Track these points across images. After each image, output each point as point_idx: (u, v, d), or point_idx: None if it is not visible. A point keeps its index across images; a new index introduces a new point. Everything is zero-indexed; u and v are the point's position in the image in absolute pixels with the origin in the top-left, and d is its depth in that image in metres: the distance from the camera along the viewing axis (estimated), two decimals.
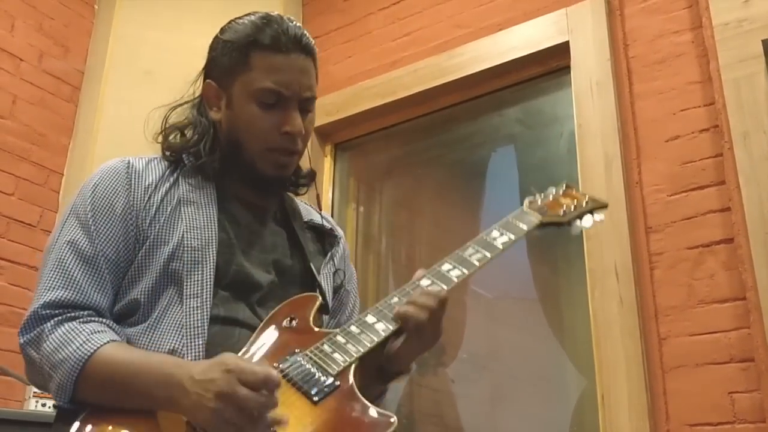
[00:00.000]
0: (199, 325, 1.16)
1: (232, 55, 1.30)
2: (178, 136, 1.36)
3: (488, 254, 1.29)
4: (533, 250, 2.78)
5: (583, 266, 2.19)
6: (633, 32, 2.33)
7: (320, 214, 1.48)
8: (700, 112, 2.12)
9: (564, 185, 1.52)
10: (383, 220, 3.18)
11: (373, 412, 1.08)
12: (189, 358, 1.14)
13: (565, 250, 2.58)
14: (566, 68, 2.47)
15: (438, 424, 2.85)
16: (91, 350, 1.10)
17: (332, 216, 3.01)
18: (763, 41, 2.01)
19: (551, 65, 2.57)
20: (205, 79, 1.37)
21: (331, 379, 1.10)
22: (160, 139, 1.36)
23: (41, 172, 2.94)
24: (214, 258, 1.22)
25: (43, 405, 2.25)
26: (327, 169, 3.08)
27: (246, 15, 1.34)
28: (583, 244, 2.20)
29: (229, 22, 1.36)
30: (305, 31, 1.33)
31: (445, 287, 1.24)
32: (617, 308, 2.06)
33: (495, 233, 1.34)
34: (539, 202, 1.46)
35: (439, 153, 3.12)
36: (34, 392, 2.26)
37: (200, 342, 1.15)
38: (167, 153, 1.35)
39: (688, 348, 1.95)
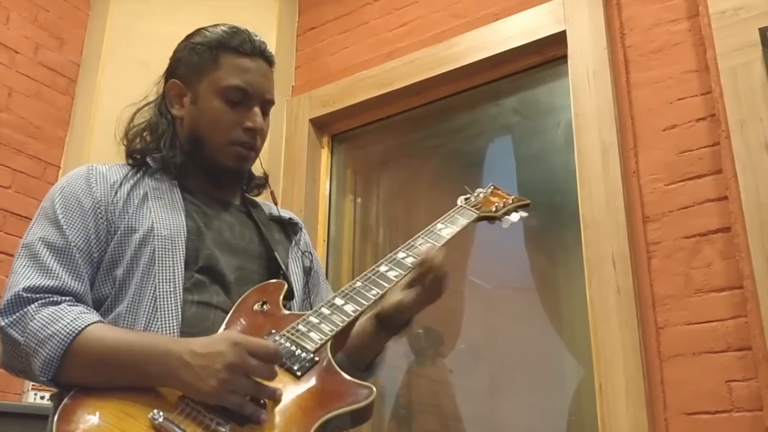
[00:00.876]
0: (173, 308, 1.22)
1: (202, 55, 1.41)
2: (139, 139, 1.43)
3: (436, 243, 1.41)
4: (530, 241, 2.78)
5: (581, 255, 2.19)
6: (630, 21, 2.33)
7: (279, 209, 1.58)
8: (697, 101, 2.11)
9: (491, 186, 1.70)
10: (380, 211, 3.18)
11: (353, 383, 1.15)
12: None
13: (563, 239, 2.59)
14: (563, 58, 2.47)
15: (436, 414, 2.86)
16: (81, 326, 1.12)
17: (329, 207, 3.01)
18: (759, 29, 2.01)
19: (548, 55, 2.57)
20: (168, 79, 1.47)
21: (310, 355, 1.16)
22: (124, 142, 1.44)
23: (38, 164, 2.93)
24: (184, 244, 1.28)
25: (42, 397, 2.26)
26: (324, 161, 3.08)
27: (214, 25, 1.46)
28: (580, 234, 2.20)
29: (198, 30, 1.48)
30: (269, 46, 1.46)
31: (402, 272, 1.33)
32: (614, 297, 2.06)
33: (440, 225, 1.49)
34: (473, 200, 1.63)
35: (436, 143, 3.12)
36: (33, 385, 2.27)
37: (174, 324, 1.20)
38: (132, 156, 1.42)
39: (685, 337, 1.95)
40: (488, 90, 2.78)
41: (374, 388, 1.12)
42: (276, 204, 1.58)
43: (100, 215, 1.29)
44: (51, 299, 1.17)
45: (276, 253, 1.42)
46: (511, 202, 1.65)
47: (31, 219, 2.92)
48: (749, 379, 1.83)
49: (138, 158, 1.41)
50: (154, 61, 2.93)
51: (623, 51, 2.31)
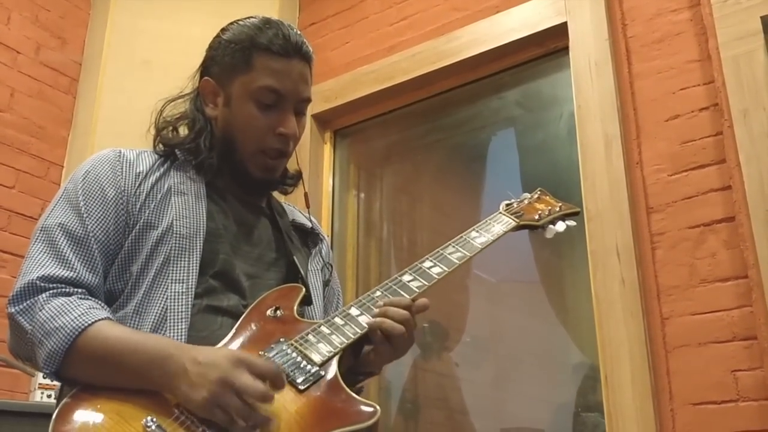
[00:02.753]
0: (183, 310, 1.19)
1: (234, 55, 1.34)
2: (171, 130, 1.38)
3: (467, 253, 1.35)
4: (535, 233, 2.78)
5: (585, 248, 2.19)
6: (631, 11, 2.32)
7: (304, 215, 1.53)
8: (700, 91, 2.11)
9: (538, 191, 1.60)
10: (384, 205, 3.18)
11: (357, 401, 1.10)
12: (172, 338, 1.16)
13: (567, 232, 2.58)
14: (565, 49, 2.46)
15: (443, 408, 2.87)
16: (88, 322, 1.10)
17: (333, 203, 3.01)
18: (761, 18, 2.00)
19: (549, 46, 2.56)
20: (202, 76, 1.40)
21: (316, 368, 1.12)
22: (152, 131, 1.39)
23: (41, 164, 2.94)
24: (201, 246, 1.25)
25: (49, 396, 2.26)
26: (327, 156, 3.08)
27: (248, 18, 1.39)
28: (584, 226, 2.20)
29: (231, 23, 1.40)
30: (305, 39, 1.38)
31: (426, 283, 1.27)
32: (619, 289, 2.06)
33: (474, 234, 1.41)
34: (515, 206, 1.53)
35: (439, 137, 3.12)
36: (40, 383, 2.27)
37: (183, 326, 1.17)
38: (160, 146, 1.37)
39: (690, 327, 1.95)
40: (490, 83, 2.77)
41: (378, 409, 1.07)
42: (308, 206, 1.53)
43: (121, 206, 1.25)
44: (63, 290, 1.15)
45: (295, 258, 1.37)
46: (558, 210, 1.56)
47: (35, 218, 2.93)
48: (755, 369, 1.83)
49: (167, 149, 1.36)
50: (155, 59, 2.97)
51: (625, 41, 2.30)
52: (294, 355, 1.14)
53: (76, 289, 1.17)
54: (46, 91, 3.03)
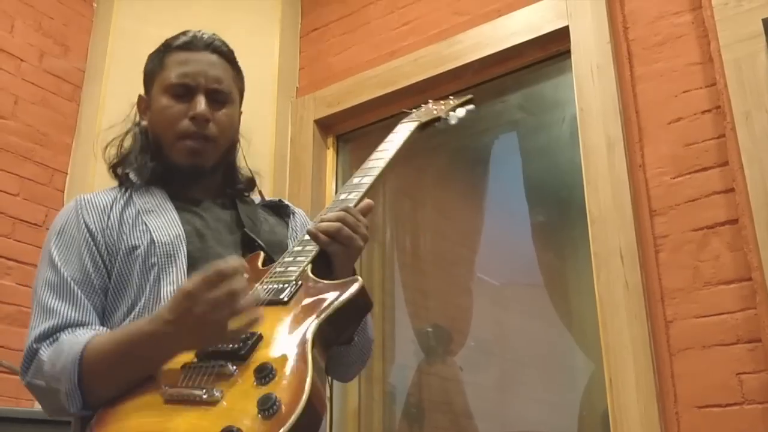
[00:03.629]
0: None
1: (152, 62, 1.48)
2: (116, 153, 1.47)
3: (384, 157, 1.48)
4: (538, 236, 2.78)
5: (588, 250, 2.19)
6: (632, 14, 2.32)
7: (264, 198, 1.59)
8: (702, 93, 2.11)
9: (430, 100, 1.70)
10: (387, 209, 3.19)
11: (337, 282, 1.17)
12: None
13: (570, 234, 2.58)
14: (566, 53, 2.47)
15: (447, 412, 2.86)
16: (80, 348, 1.15)
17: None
18: (763, 20, 2.00)
19: (551, 50, 2.56)
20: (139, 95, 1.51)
21: (293, 283, 1.18)
22: (109, 164, 1.47)
23: (45, 171, 2.95)
24: (185, 248, 1.30)
25: None
26: (330, 161, 3.08)
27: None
28: (587, 229, 2.20)
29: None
30: (219, 40, 1.47)
31: (360, 191, 1.39)
32: (623, 292, 2.06)
33: (383, 146, 1.53)
34: (414, 115, 1.64)
35: (442, 141, 3.12)
36: None
37: None
38: (113, 169, 1.45)
39: (694, 330, 1.95)
40: (492, 87, 2.77)
41: (359, 277, 1.15)
42: (263, 198, 1.59)
43: (95, 243, 1.31)
44: (54, 337, 1.21)
45: (246, 230, 1.40)
46: (452, 102, 1.66)
47: (39, 225, 2.95)
48: (760, 371, 1.82)
49: (119, 171, 1.44)
50: None
51: (626, 44, 2.30)
52: (272, 286, 1.18)
53: (65, 331, 1.21)
54: (50, 98, 3.03)
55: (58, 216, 1.38)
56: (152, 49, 1.51)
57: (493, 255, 2.98)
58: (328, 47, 3.14)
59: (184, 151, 1.39)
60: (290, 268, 1.22)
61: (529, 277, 2.80)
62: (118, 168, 1.45)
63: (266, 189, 1.65)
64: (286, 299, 1.14)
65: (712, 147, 2.05)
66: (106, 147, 1.48)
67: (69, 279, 1.27)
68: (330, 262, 1.28)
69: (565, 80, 2.51)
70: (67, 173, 3.02)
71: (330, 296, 1.13)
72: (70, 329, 1.22)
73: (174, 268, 1.27)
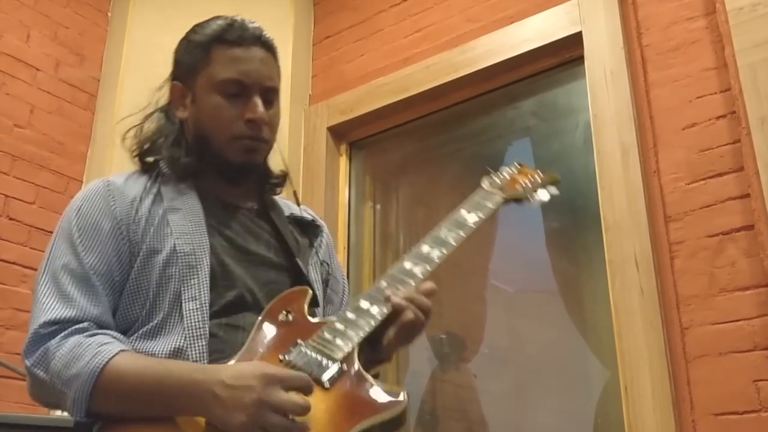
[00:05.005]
0: (200, 326, 1.18)
1: (194, 53, 1.37)
2: (149, 144, 1.39)
3: (462, 233, 1.36)
4: (552, 243, 2.77)
5: (603, 257, 2.18)
6: (646, 20, 2.32)
7: (301, 209, 1.52)
8: (717, 99, 2.10)
9: (516, 164, 1.61)
10: (400, 217, 3.19)
11: (383, 390, 1.12)
12: (192, 359, 1.16)
13: (584, 241, 2.57)
14: (580, 59, 2.46)
15: (461, 420, 2.85)
16: (102, 363, 1.09)
17: (349, 215, 3.01)
18: None
19: (564, 56, 2.56)
20: (172, 82, 1.42)
21: (337, 364, 1.13)
22: (135, 152, 1.40)
23: (60, 180, 2.97)
24: (208, 261, 1.25)
25: (63, 411, 2.27)
26: (343, 168, 3.09)
27: (208, 20, 1.41)
28: (602, 235, 2.19)
29: (193, 27, 1.43)
30: (265, 31, 1.39)
31: (428, 267, 1.29)
32: (638, 299, 2.05)
33: (464, 212, 1.41)
34: (498, 181, 1.54)
35: (455, 148, 3.12)
36: None
37: (203, 343, 1.17)
38: (142, 160, 1.39)
39: (711, 337, 1.93)
40: (505, 93, 2.77)
41: (406, 396, 1.09)
42: (298, 205, 1.52)
43: (121, 237, 1.25)
44: (71, 329, 1.15)
45: (298, 260, 1.37)
46: (538, 179, 1.57)
47: None
48: None
49: (148, 162, 1.38)
50: None
51: (640, 50, 2.30)
52: (314, 355, 1.14)
53: (82, 325, 1.16)
54: (65, 107, 3.06)
55: (84, 196, 1.30)
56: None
57: (507, 262, 2.97)
58: (340, 55, 3.15)
59: (240, 150, 1.33)
60: (338, 341, 1.16)
61: (543, 284, 2.79)
62: (146, 156, 1.39)
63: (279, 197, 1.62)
64: (328, 385, 1.09)
65: (727, 152, 2.04)
66: (125, 135, 1.41)
67: (90, 269, 1.21)
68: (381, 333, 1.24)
69: (578, 86, 2.51)
70: (82, 182, 3.04)
71: (370, 407, 1.09)
72: (88, 328, 1.16)
73: (195, 281, 1.22)
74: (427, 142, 3.14)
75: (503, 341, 2.88)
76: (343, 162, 3.10)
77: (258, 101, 1.33)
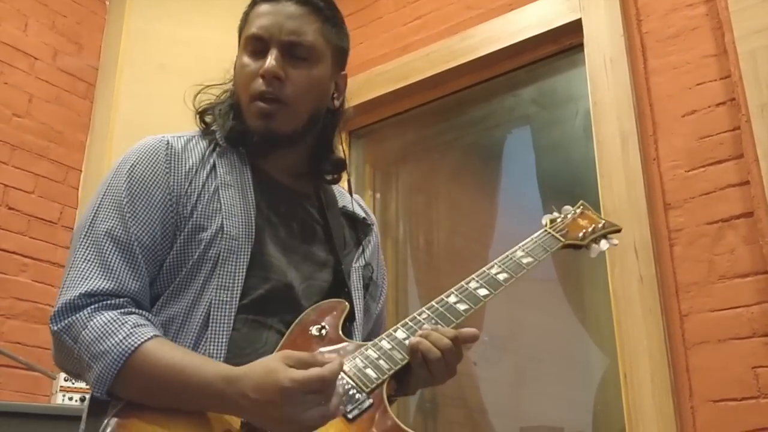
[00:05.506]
0: (226, 321, 1.14)
1: (242, 18, 1.34)
2: (209, 106, 1.35)
3: (514, 275, 1.30)
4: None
5: None
6: (646, 7, 2.31)
7: (354, 201, 1.46)
8: (716, 86, 2.09)
9: (581, 205, 1.57)
10: (400, 205, 3.19)
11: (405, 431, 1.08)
12: (211, 353, 1.12)
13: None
14: (579, 46, 2.45)
15: (461, 407, 2.86)
16: (135, 345, 1.06)
17: None
18: None
19: (564, 43, 2.55)
20: None
21: (364, 396, 1.09)
22: (198, 118, 1.35)
23: (60, 169, 2.97)
24: (250, 249, 1.19)
25: (70, 399, 2.28)
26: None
27: None
28: None
29: None
30: None
31: (473, 306, 1.23)
32: (637, 286, 2.05)
33: (520, 254, 1.36)
34: (559, 223, 1.49)
35: (454, 136, 3.12)
36: (61, 386, 2.30)
37: (224, 340, 1.13)
38: (202, 121, 1.33)
39: (710, 324, 1.93)
40: (505, 81, 2.77)
41: None
42: (351, 195, 1.45)
43: (170, 209, 1.19)
44: (106, 303, 1.11)
45: (342, 266, 1.31)
46: (600, 227, 1.52)
47: (54, 223, 2.95)
48: None
49: (206, 124, 1.32)
50: (171, 63, 3.00)
51: (640, 37, 2.29)
52: (343, 381, 1.09)
53: (119, 300, 1.12)
54: (64, 96, 3.05)
55: (140, 153, 1.23)
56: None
57: (506, 250, 2.97)
58: None
59: (255, 113, 1.25)
60: (368, 372, 1.12)
61: (543, 272, 2.79)
62: (205, 116, 1.33)
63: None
64: (351, 417, 1.07)
65: (726, 140, 2.04)
66: (197, 94, 1.36)
67: (135, 240, 1.15)
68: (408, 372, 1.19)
69: (578, 74, 2.50)
70: (81, 170, 3.04)
71: None
72: (125, 304, 1.11)
73: (232, 268, 1.16)
74: (426, 130, 3.14)
75: (503, 329, 2.88)
76: (343, 150, 3.09)
77: (272, 53, 1.25)
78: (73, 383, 2.29)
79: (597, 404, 2.41)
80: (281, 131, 1.27)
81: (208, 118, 1.33)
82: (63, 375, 2.28)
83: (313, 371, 0.98)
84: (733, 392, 1.85)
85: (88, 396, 1.18)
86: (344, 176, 1.44)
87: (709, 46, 2.14)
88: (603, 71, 2.31)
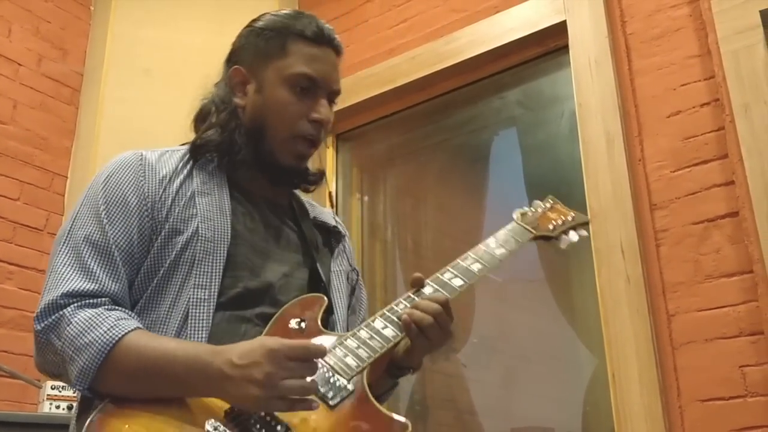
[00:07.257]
0: (204, 318, 1.17)
1: (269, 41, 1.34)
2: (209, 131, 1.34)
3: (487, 265, 1.35)
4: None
5: (589, 245, 2.18)
6: (630, 8, 2.32)
7: (329, 212, 1.52)
8: (701, 86, 2.11)
9: (550, 200, 1.61)
10: (388, 208, 3.18)
11: (387, 416, 1.11)
12: None
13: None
14: (564, 48, 2.46)
15: (451, 409, 2.87)
16: (119, 335, 1.08)
17: (336, 206, 3.01)
18: (760, 12, 2.00)
19: (549, 45, 2.56)
20: (230, 66, 1.38)
21: (345, 383, 1.12)
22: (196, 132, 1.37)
23: (45, 175, 2.95)
24: (226, 250, 1.23)
25: (57, 407, 2.27)
26: (329, 160, 3.08)
27: (280, 10, 1.40)
28: (588, 223, 2.19)
29: (263, 14, 1.40)
30: (337, 35, 1.40)
31: (448, 295, 1.26)
32: (624, 286, 2.06)
33: (493, 245, 1.40)
34: (530, 216, 1.53)
35: (441, 138, 3.12)
36: (48, 395, 2.28)
37: (203, 335, 1.16)
38: (198, 149, 1.33)
39: (697, 323, 1.94)
40: (491, 83, 2.77)
41: (409, 424, 1.09)
42: (332, 206, 1.52)
43: (145, 214, 1.23)
44: (88, 302, 1.13)
45: (318, 265, 1.35)
46: (570, 219, 1.56)
47: (40, 230, 2.93)
48: (763, 364, 1.82)
49: (201, 150, 1.33)
50: (156, 68, 2.98)
51: (624, 38, 2.30)
52: (323, 370, 1.12)
53: (101, 299, 1.15)
54: (49, 102, 3.04)
55: (115, 166, 1.27)
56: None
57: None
58: None
59: (293, 153, 1.33)
60: (348, 360, 1.15)
61: (530, 273, 2.80)
62: (203, 146, 1.33)
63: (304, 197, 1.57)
64: (332, 404, 1.09)
65: (711, 140, 2.05)
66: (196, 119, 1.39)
67: (113, 244, 1.18)
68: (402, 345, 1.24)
69: (563, 75, 2.51)
70: (67, 177, 3.02)
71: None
72: (106, 303, 1.14)
73: (209, 268, 1.20)
74: (413, 132, 3.14)
75: (492, 330, 2.89)
76: (330, 153, 3.09)
77: (325, 103, 1.34)
78: (60, 391, 2.28)
79: (586, 404, 2.42)
80: (303, 169, 1.38)
81: (211, 133, 1.34)
82: (50, 383, 2.26)
83: (300, 341, 1.05)
84: (720, 391, 1.86)
85: (75, 404, 1.19)
86: (326, 189, 1.49)
87: (693, 46, 2.15)
88: (588, 72, 2.32)
